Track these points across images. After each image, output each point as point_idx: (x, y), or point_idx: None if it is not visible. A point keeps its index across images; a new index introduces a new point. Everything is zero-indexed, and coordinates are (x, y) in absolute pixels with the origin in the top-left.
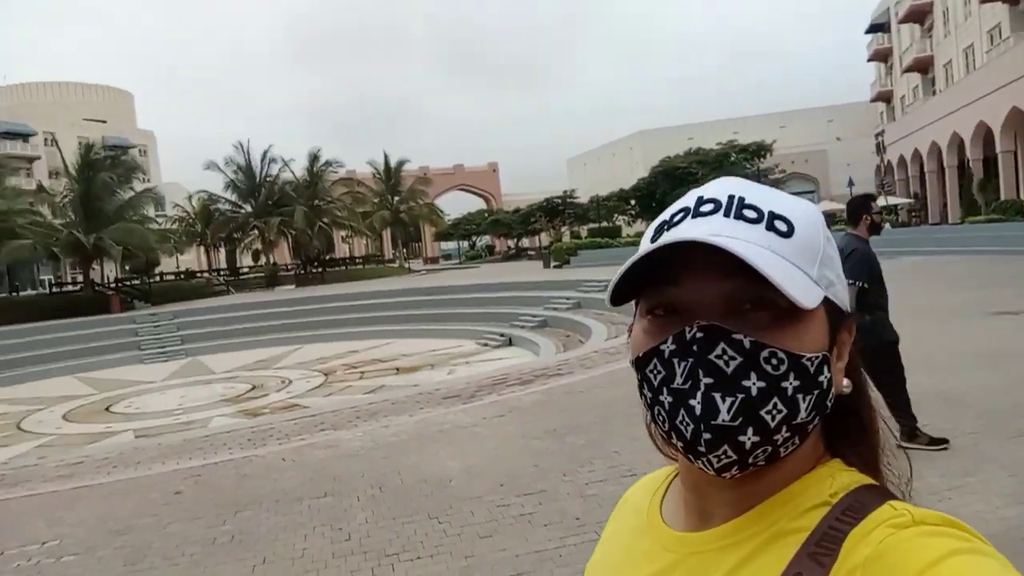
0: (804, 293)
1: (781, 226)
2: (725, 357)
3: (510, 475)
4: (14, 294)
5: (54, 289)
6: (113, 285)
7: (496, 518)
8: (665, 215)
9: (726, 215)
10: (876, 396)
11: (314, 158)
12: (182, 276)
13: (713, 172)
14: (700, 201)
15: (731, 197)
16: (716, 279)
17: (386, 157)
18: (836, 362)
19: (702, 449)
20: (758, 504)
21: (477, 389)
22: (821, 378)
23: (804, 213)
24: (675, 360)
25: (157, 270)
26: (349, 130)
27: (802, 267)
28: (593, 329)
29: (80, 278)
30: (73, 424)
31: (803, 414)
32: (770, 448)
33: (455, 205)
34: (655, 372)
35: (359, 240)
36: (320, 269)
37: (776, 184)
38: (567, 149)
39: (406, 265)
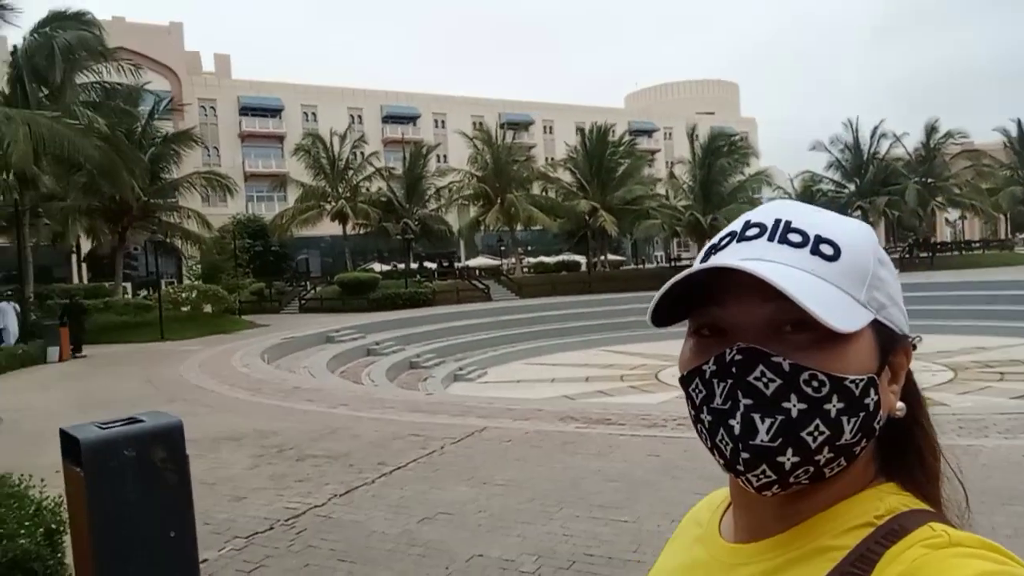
0: (841, 316)
1: (827, 250)
2: (764, 379)
3: None
4: (640, 266)
5: (672, 263)
6: None
7: None
8: (715, 239)
9: (770, 239)
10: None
11: (931, 130)
12: None
13: None
14: (747, 225)
15: (777, 221)
16: (758, 301)
17: (1020, 124)
18: (889, 384)
19: (741, 468)
20: (804, 521)
21: None
22: (867, 400)
23: (853, 236)
24: (715, 380)
25: None
26: (948, 101)
27: (848, 290)
28: None
29: (685, 254)
30: None
31: (847, 436)
32: (812, 468)
33: None
34: (697, 391)
35: (970, 223)
36: (928, 253)
37: None
38: None
39: None
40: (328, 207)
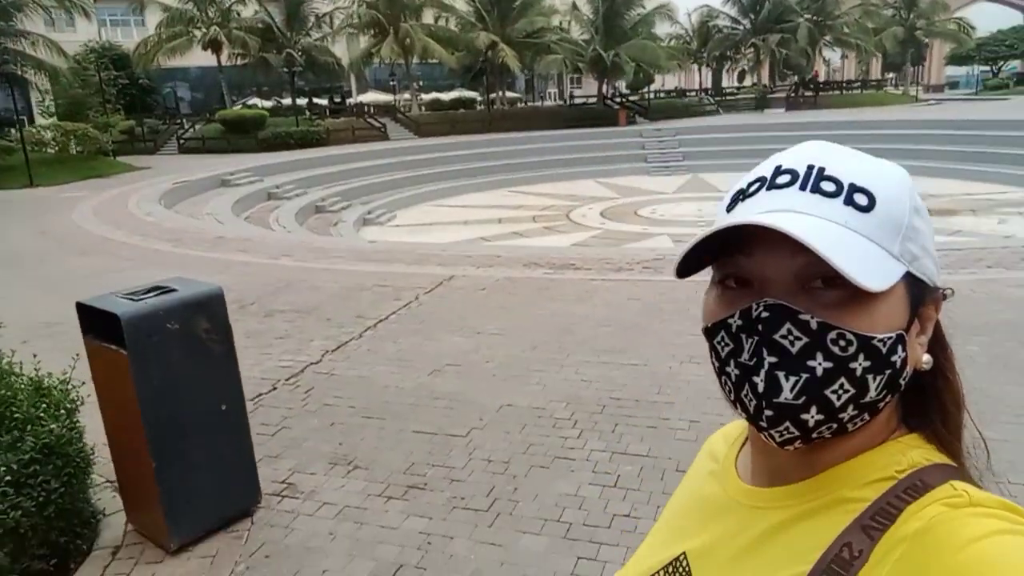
0: (873, 274)
1: (861, 200)
2: (791, 337)
3: None
4: (540, 104)
5: (569, 100)
6: (618, 100)
7: None
8: (742, 183)
9: (802, 188)
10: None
11: None
12: (674, 94)
13: None
14: (777, 171)
15: (810, 168)
16: (788, 254)
17: None
18: (917, 336)
19: (764, 424)
20: (825, 470)
21: None
22: (894, 358)
23: (888, 184)
24: (742, 336)
25: (651, 88)
26: None
27: (881, 243)
28: None
29: (577, 91)
30: (612, 222)
31: (872, 394)
32: (836, 425)
33: (978, 21)
34: (723, 344)
35: (848, 63)
36: (813, 93)
37: None
38: None
39: (912, 92)
40: (198, 34)
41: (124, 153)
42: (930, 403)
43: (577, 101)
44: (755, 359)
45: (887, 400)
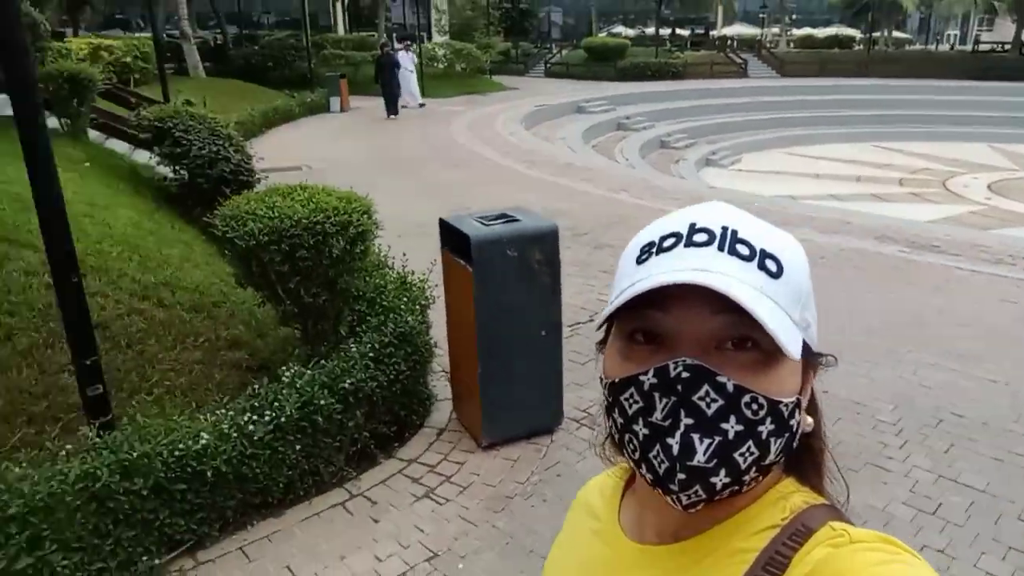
0: (792, 340)
1: (771, 266)
2: (707, 399)
3: None
4: (933, 48)
5: (975, 47)
6: None
7: None
8: (652, 236)
9: (720, 249)
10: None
11: None
12: None
13: None
14: (693, 229)
15: (724, 228)
16: (707, 313)
17: None
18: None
19: (674, 487)
20: (716, 525)
21: None
22: (792, 422)
23: (792, 253)
24: (655, 394)
25: None
26: None
27: (787, 310)
28: None
29: (986, 34)
30: (1000, 197)
31: (772, 456)
32: (737, 487)
33: None
34: (631, 401)
35: None
36: None
37: None
38: None
39: None
40: None
41: (498, 72)
42: (806, 456)
43: (983, 47)
44: (670, 420)
45: (780, 461)
